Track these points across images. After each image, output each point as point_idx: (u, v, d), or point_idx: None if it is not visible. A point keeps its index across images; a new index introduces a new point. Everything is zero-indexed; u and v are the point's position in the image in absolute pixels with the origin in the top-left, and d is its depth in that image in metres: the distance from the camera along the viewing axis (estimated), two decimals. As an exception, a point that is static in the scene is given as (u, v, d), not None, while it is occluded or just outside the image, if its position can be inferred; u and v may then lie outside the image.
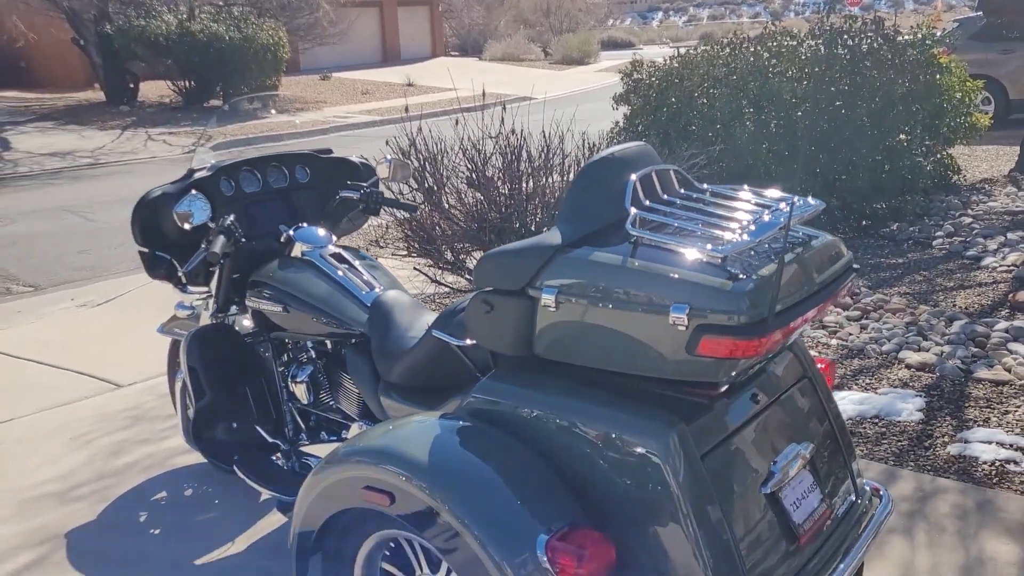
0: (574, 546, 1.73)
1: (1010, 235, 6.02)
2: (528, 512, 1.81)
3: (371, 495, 1.93)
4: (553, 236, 1.98)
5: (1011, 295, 4.73)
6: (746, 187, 2.12)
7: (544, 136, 4.53)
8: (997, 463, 3.10)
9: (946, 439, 3.30)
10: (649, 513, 1.82)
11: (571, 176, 4.49)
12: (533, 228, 4.19)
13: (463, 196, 4.45)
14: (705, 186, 2.16)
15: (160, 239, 2.89)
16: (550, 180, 4.43)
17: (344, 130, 14.48)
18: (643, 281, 1.82)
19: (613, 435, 1.87)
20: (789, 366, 2.22)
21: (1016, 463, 3.09)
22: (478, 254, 4.64)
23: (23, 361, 4.89)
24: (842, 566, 2.03)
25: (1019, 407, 3.49)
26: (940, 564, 2.57)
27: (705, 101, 6.97)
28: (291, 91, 19.40)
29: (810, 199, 2.04)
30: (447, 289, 5.00)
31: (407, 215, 4.64)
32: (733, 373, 1.84)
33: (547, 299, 1.91)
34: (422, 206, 4.38)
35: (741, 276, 1.76)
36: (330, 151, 3.25)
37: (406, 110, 4.69)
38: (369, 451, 1.98)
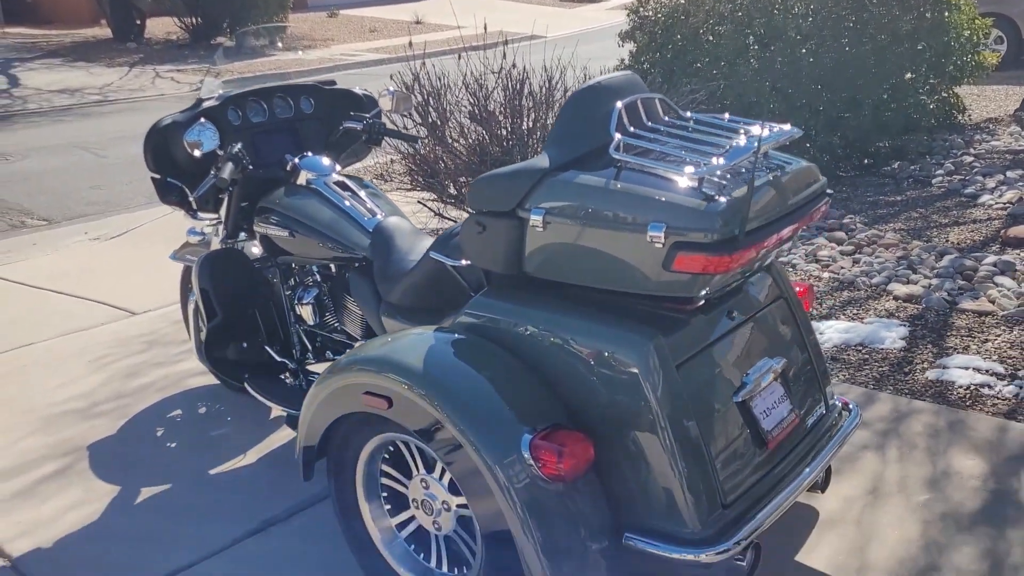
0: (555, 444, 1.88)
1: (1009, 173, 6.07)
2: (515, 414, 1.96)
3: (371, 400, 2.08)
4: (542, 160, 2.09)
5: (1003, 231, 4.82)
6: (727, 115, 2.22)
7: (546, 71, 4.60)
8: (972, 387, 3.24)
9: (925, 365, 3.44)
10: (627, 417, 1.97)
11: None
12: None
13: (466, 131, 4.53)
14: (688, 114, 2.27)
15: (171, 166, 3.02)
16: (551, 115, 4.50)
17: (352, 68, 14.45)
18: (624, 202, 1.94)
19: (595, 346, 2.01)
20: (765, 286, 2.34)
21: (990, 387, 3.23)
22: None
23: (41, 291, 5.06)
24: (807, 470, 2.18)
25: (999, 336, 3.62)
26: (908, 476, 2.73)
27: (711, 38, 6.97)
28: (298, 29, 19.24)
29: (786, 126, 2.14)
30: (451, 223, 5.12)
31: (411, 150, 4.75)
32: (708, 289, 1.97)
33: (535, 219, 2.04)
34: (423, 138, 4.47)
35: (716, 197, 1.88)
36: (334, 83, 3.35)
37: (409, 45, 4.75)
38: (370, 360, 2.13)
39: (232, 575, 2.52)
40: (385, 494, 2.33)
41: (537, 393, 2.03)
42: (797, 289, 2.50)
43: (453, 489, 2.13)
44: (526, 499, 1.90)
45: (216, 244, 3.21)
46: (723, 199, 1.87)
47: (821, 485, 2.38)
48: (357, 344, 2.87)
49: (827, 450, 2.27)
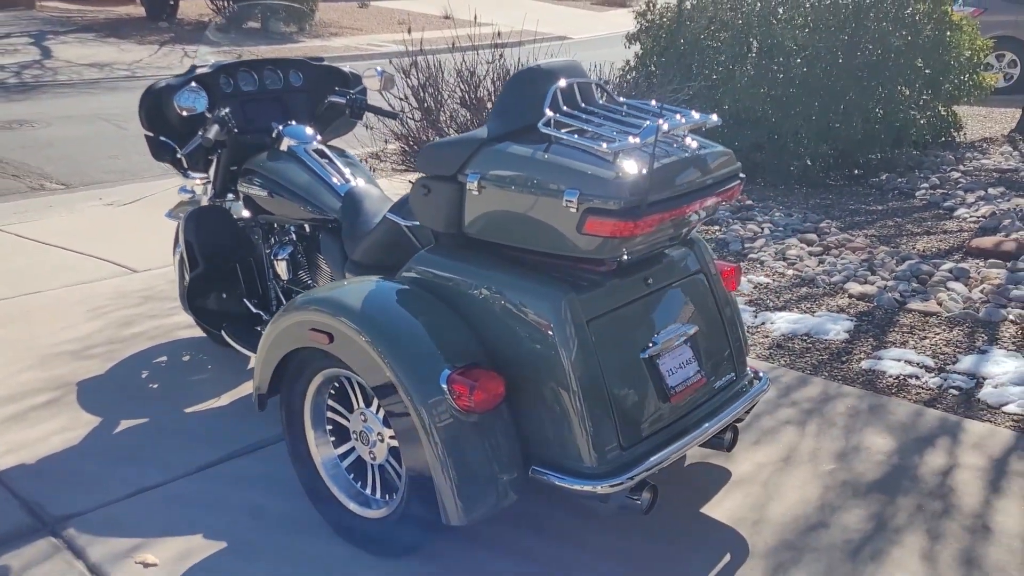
0: (470, 379, 2.12)
1: (991, 190, 6.25)
2: (438, 352, 2.21)
3: (315, 335, 2.34)
4: (481, 132, 2.34)
5: (968, 241, 5.01)
6: (654, 101, 2.46)
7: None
8: (901, 377, 3.45)
9: (862, 356, 3.65)
10: (539, 363, 2.21)
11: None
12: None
13: (455, 115, 4.79)
14: (622, 99, 2.50)
15: (164, 126, 3.29)
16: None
17: (377, 58, 14.73)
18: (547, 171, 2.18)
19: (517, 299, 2.26)
20: (685, 259, 2.57)
21: (917, 377, 3.44)
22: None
23: (51, 247, 5.37)
24: (707, 424, 2.41)
25: (938, 334, 3.82)
26: (820, 449, 2.95)
27: (712, 44, 7.19)
28: (328, 16, 19.60)
29: (712, 116, 2.38)
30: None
31: (404, 130, 5.00)
32: (619, 253, 2.21)
33: (471, 184, 2.29)
34: (404, 114, 4.73)
35: (626, 170, 2.11)
36: (322, 59, 3.61)
37: (408, 32, 5.01)
38: (317, 300, 2.39)
39: (197, 492, 2.78)
40: (330, 427, 2.58)
41: (461, 337, 2.27)
42: (724, 268, 2.73)
43: (386, 422, 2.37)
44: (442, 429, 2.14)
45: (204, 202, 3.48)
46: (632, 172, 2.11)
47: (727, 444, 2.60)
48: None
49: (730, 410, 2.49)
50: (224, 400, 3.42)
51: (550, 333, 2.20)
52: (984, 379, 3.39)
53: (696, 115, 2.34)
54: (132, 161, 7.77)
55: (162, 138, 3.29)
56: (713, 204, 2.36)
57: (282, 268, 3.27)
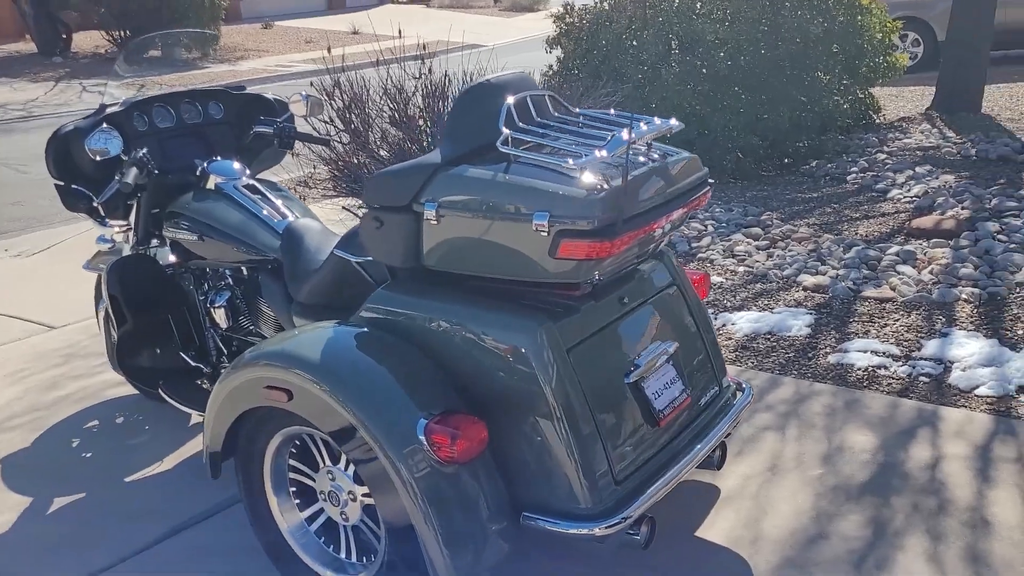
0: (449, 427, 1.94)
1: (918, 169, 6.33)
2: (410, 400, 2.02)
3: (271, 394, 2.12)
4: (434, 156, 2.16)
5: (907, 222, 5.03)
6: (612, 110, 2.32)
7: (468, 77, 4.68)
8: (869, 368, 3.39)
9: (828, 350, 3.59)
10: (521, 401, 2.04)
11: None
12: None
13: (386, 135, 4.59)
14: (577, 110, 2.36)
15: (76, 173, 3.01)
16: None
17: (288, 79, 14.36)
18: (511, 193, 2.02)
19: (488, 333, 2.08)
20: (657, 274, 2.44)
21: (886, 367, 3.39)
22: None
23: (-44, 307, 4.96)
24: (699, 446, 2.28)
25: (897, 320, 3.79)
26: (804, 453, 2.85)
27: (634, 43, 7.14)
28: (232, 40, 19.07)
29: (671, 120, 2.24)
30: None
31: (332, 156, 4.78)
32: (594, 275, 2.06)
33: (429, 213, 2.11)
34: (334, 139, 4.51)
35: (596, 186, 1.96)
36: (243, 87, 3.38)
37: (328, 51, 4.79)
38: (269, 354, 2.17)
39: (152, 574, 2.53)
40: (294, 488, 2.36)
41: (433, 380, 2.09)
42: (693, 277, 2.61)
43: (358, 479, 2.17)
44: (423, 483, 1.96)
45: (127, 251, 3.21)
46: (603, 188, 1.96)
47: (717, 463, 2.48)
48: (266, 343, 2.89)
49: (719, 427, 2.37)
50: (167, 463, 3.16)
51: (529, 367, 2.03)
52: (951, 363, 3.36)
53: (658, 121, 2.21)
54: (37, 207, 7.31)
55: (75, 186, 3.01)
56: (684, 214, 2.23)
57: (220, 316, 3.02)
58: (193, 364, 3.12)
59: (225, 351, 3.15)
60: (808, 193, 6.12)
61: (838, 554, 2.37)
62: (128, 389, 3.71)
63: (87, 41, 17.68)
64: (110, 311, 3.02)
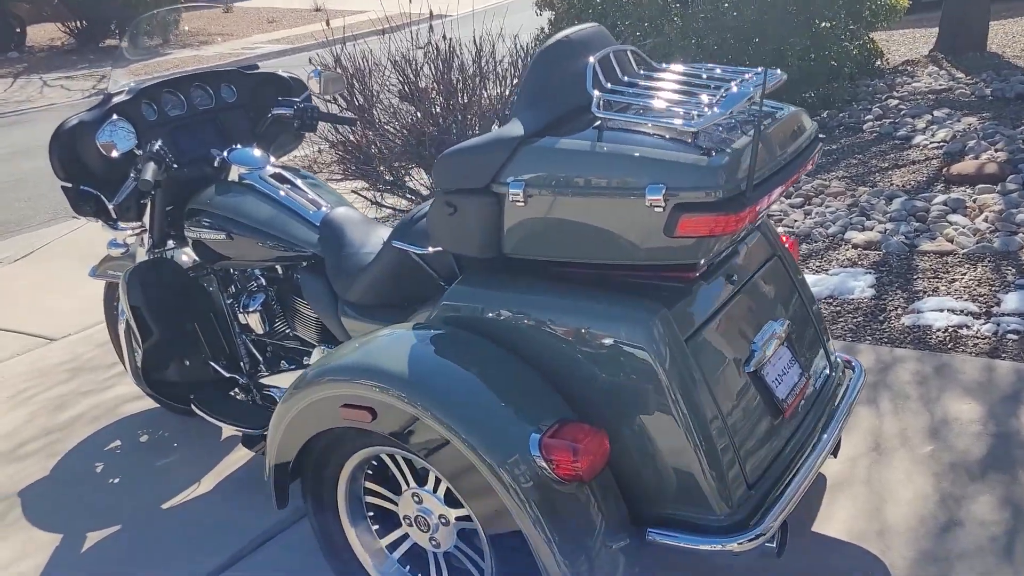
0: (567, 440, 1.68)
1: (936, 113, 6.11)
2: (516, 413, 1.76)
3: (351, 413, 1.85)
4: (514, 127, 1.88)
5: (944, 169, 4.81)
6: (705, 64, 2.05)
7: (476, 44, 4.37)
8: (950, 329, 3.17)
9: (899, 311, 3.37)
10: (638, 402, 1.79)
11: (513, 82, 4.33)
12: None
13: (398, 111, 4.28)
14: (663, 65, 2.08)
15: (83, 172, 2.69)
16: (484, 89, 4.28)
17: (256, 61, 13.88)
18: (615, 165, 1.74)
19: (593, 328, 1.82)
20: (759, 245, 2.19)
21: (968, 327, 3.17)
22: (418, 172, 4.50)
23: (-59, 324, 4.62)
24: (825, 436, 2.04)
25: (965, 274, 3.57)
26: (907, 428, 2.63)
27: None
28: (193, 24, 18.46)
29: (775, 70, 1.97)
30: (389, 211, 4.86)
31: (341, 136, 4.46)
32: (712, 253, 1.80)
33: (514, 194, 1.83)
34: (361, 120, 4.20)
35: (715, 150, 1.70)
36: (256, 66, 3.05)
37: (327, 23, 4.46)
38: (344, 368, 1.89)
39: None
40: (371, 513, 2.10)
41: (538, 386, 1.83)
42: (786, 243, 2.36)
43: (451, 501, 1.91)
44: (540, 505, 1.70)
45: (142, 255, 2.90)
46: (724, 152, 1.69)
47: (833, 450, 2.25)
48: (315, 351, 2.61)
49: (840, 412, 2.13)
50: (205, 485, 2.88)
51: (645, 362, 1.77)
52: (1038, 317, 3.15)
53: (774, 71, 1.94)
54: (12, 209, 6.90)
55: (84, 188, 2.69)
56: (798, 176, 1.97)
57: (254, 320, 2.73)
58: (227, 375, 2.83)
59: (260, 358, 2.86)
60: (826, 145, 5.87)
61: (979, 543, 2.14)
62: (146, 403, 3.41)
63: (41, 34, 17.04)
64: (132, 324, 2.72)
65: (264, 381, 2.82)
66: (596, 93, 1.85)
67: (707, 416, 1.79)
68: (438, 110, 4.13)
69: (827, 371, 2.24)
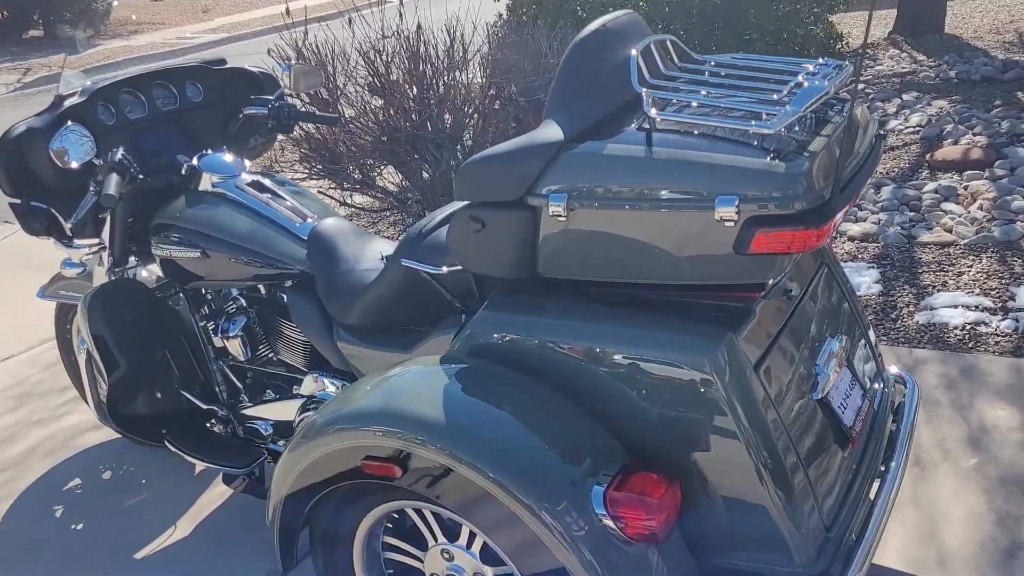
0: (637, 494, 1.46)
1: (905, 96, 6.04)
2: (571, 461, 1.53)
3: (375, 466, 1.60)
4: (550, 131, 1.64)
5: (927, 155, 4.71)
6: (753, 55, 1.84)
7: (447, 31, 4.09)
8: (967, 326, 3.04)
9: (911, 308, 3.23)
10: (704, 441, 1.57)
11: (479, 73, 4.07)
12: (450, 133, 3.80)
13: (368, 106, 3.99)
14: (705, 57, 1.87)
15: (32, 185, 2.36)
16: (457, 78, 4.01)
17: (195, 51, 13.31)
18: (674, 173, 1.52)
19: (650, 356, 1.60)
20: (808, 253, 1.99)
21: (986, 324, 3.04)
22: (390, 170, 4.22)
23: None
24: (893, 465, 1.86)
25: (971, 267, 3.45)
26: (946, 439, 2.48)
27: (591, -17, 6.62)
28: (121, 14, 17.72)
29: (843, 63, 1.77)
30: (356, 210, 4.57)
31: (304, 131, 4.16)
32: (785, 272, 1.59)
33: (556, 207, 1.59)
34: (342, 117, 3.90)
35: (790, 155, 1.49)
36: (224, 61, 2.75)
37: (287, 12, 4.13)
38: (363, 414, 1.64)
39: None
40: (391, 571, 1.86)
41: (587, 428, 1.60)
42: (823, 249, 2.17)
43: (488, 557, 1.68)
44: (604, 568, 1.47)
45: (101, 275, 2.59)
46: (802, 156, 1.48)
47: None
48: (306, 379, 2.34)
49: (903, 437, 1.95)
50: (183, 528, 2.59)
51: (712, 394, 1.56)
52: (1056, 312, 3.03)
53: (842, 63, 1.74)
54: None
55: (34, 203, 2.36)
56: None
57: (235, 346, 2.45)
58: (204, 406, 2.55)
59: (240, 385, 2.58)
60: (799, 131, 5.75)
61: (1048, 567, 2.00)
62: (106, 434, 3.10)
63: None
64: (95, 355, 2.41)
65: (247, 412, 2.53)
66: (644, 90, 1.62)
67: (782, 452, 1.58)
68: (411, 103, 3.85)
69: (883, 389, 2.07)
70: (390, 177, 4.33)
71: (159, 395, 2.53)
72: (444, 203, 3.96)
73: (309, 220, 2.35)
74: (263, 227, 2.32)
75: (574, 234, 1.62)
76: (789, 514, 1.57)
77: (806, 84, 1.60)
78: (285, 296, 2.34)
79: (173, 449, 2.50)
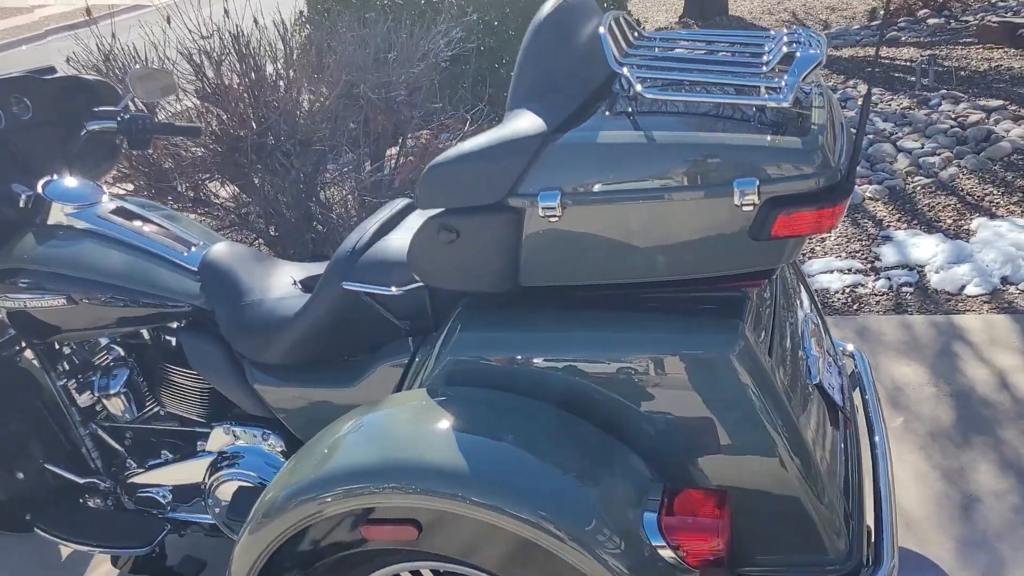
0: (690, 516, 1.32)
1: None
2: (608, 490, 1.36)
3: (383, 531, 1.34)
4: (527, 121, 1.45)
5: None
6: (707, 29, 1.74)
7: (276, 28, 3.74)
8: (847, 289, 3.16)
9: (791, 278, 3.31)
10: (734, 441, 1.45)
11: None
12: (300, 138, 3.46)
13: (202, 114, 3.55)
14: (653, 35, 1.76)
15: None
16: (299, 78, 3.67)
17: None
18: (682, 157, 1.38)
19: (660, 357, 1.45)
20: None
21: (862, 285, 3.17)
22: (226, 185, 3.80)
23: None
24: (878, 438, 1.84)
25: (829, 232, 3.60)
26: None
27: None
28: None
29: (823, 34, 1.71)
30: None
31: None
32: (796, 255, 1.50)
33: (546, 206, 1.41)
34: (204, 128, 3.42)
35: (799, 128, 1.40)
36: (53, 70, 2.29)
37: (88, 13, 3.59)
38: (363, 471, 1.36)
39: None
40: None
41: (608, 447, 1.43)
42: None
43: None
44: (663, 602, 1.32)
45: (-77, 339, 2.09)
46: (814, 129, 1.39)
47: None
48: (214, 432, 1.99)
49: (874, 407, 1.94)
50: (65, 630, 2.16)
51: (739, 389, 1.43)
52: (921, 267, 3.22)
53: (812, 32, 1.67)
54: None
55: None
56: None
57: (117, 405, 2.05)
58: (80, 480, 2.12)
59: (121, 449, 2.17)
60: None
61: (1006, 516, 2.06)
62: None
63: None
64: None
65: (137, 480, 2.13)
66: (624, 70, 1.47)
67: (805, 440, 1.49)
68: (250, 110, 3.48)
69: (841, 363, 2.05)
70: (222, 192, 3.90)
71: (20, 475, 2.08)
72: (292, 216, 3.65)
73: (195, 248, 2.00)
74: (142, 261, 1.96)
75: (565, 235, 1.44)
76: (821, 504, 1.48)
77: (798, 54, 1.51)
78: (176, 339, 1.99)
79: (47, 537, 2.07)
